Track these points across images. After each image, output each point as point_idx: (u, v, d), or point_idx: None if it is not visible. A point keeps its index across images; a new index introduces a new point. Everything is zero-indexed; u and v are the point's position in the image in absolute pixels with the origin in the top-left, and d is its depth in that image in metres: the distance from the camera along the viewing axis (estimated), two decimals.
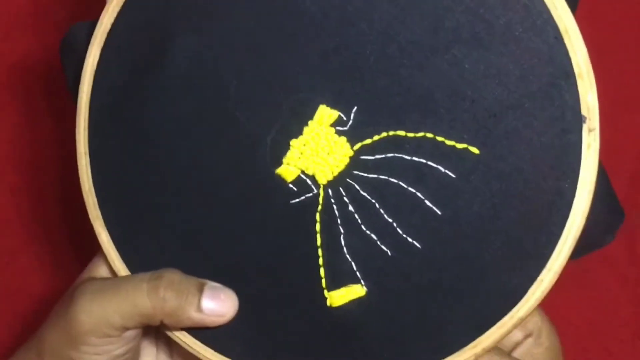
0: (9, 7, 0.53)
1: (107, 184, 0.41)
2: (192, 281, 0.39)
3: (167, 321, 0.39)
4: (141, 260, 0.41)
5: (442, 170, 0.37)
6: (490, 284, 0.37)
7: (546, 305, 0.45)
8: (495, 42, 0.36)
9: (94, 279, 0.41)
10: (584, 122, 0.36)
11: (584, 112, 0.36)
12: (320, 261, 0.39)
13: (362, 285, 0.38)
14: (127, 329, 0.39)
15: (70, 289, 0.41)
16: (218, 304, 0.39)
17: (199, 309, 0.39)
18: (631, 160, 0.55)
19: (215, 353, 0.40)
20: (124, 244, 0.41)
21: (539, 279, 0.36)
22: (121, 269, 0.41)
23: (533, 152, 0.36)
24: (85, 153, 0.41)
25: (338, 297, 0.39)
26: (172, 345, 0.44)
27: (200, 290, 0.39)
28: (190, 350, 0.41)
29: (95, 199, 0.41)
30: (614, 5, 0.55)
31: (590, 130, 0.36)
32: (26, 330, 0.53)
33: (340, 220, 0.39)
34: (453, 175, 0.37)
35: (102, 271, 0.42)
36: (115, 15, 0.40)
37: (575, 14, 0.36)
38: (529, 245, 0.36)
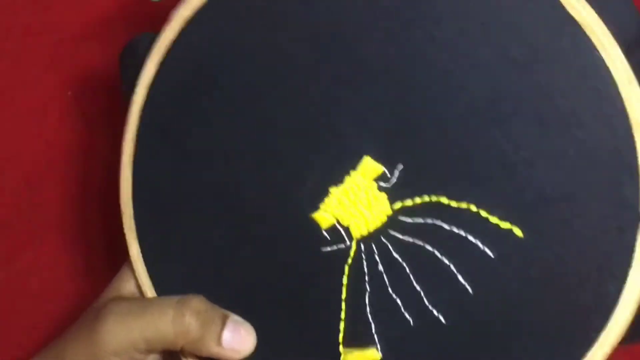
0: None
1: (145, 198, 0.41)
2: (216, 311, 0.39)
3: (187, 348, 0.39)
4: (167, 280, 0.41)
5: (481, 247, 0.35)
6: None
7: None
8: (559, 124, 0.34)
9: (120, 298, 0.41)
10: None
11: None
12: (342, 315, 0.38)
13: (377, 349, 0.37)
14: (150, 352, 0.39)
15: (96, 305, 0.41)
16: (237, 340, 0.39)
17: (219, 342, 0.39)
18: None
19: None
20: (152, 260, 0.41)
21: None
22: (146, 284, 0.41)
23: (581, 246, 0.34)
24: (129, 164, 0.41)
25: (352, 357, 0.37)
26: None
27: (224, 322, 0.39)
28: None
29: (132, 211, 0.41)
30: None
31: None
32: (25, 330, 0.53)
33: (368, 278, 0.37)
34: (491, 255, 0.35)
35: (129, 286, 0.42)
36: (176, 31, 0.40)
37: None
38: (561, 345, 0.34)
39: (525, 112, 0.34)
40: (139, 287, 0.42)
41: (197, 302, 0.39)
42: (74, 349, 0.40)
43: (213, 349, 0.38)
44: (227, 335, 0.39)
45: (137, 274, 0.41)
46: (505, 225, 0.35)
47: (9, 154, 0.54)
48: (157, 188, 0.41)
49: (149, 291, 0.41)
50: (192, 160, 0.40)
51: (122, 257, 0.43)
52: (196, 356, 0.40)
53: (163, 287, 0.41)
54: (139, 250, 0.41)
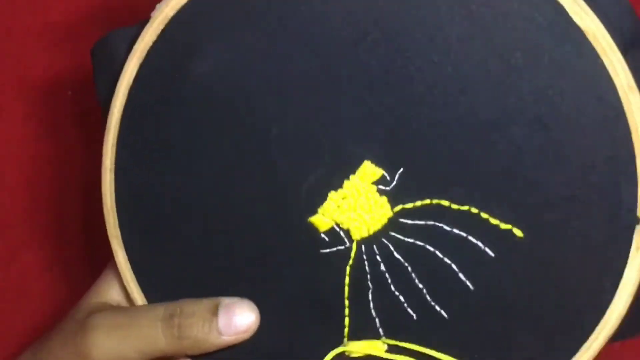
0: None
1: (130, 204, 0.40)
2: (205, 305, 0.38)
3: (191, 354, 0.38)
4: (158, 284, 0.40)
5: (481, 247, 0.36)
6: None
7: None
8: (559, 128, 0.34)
9: (105, 306, 0.40)
10: (638, 223, 0.34)
11: (639, 213, 0.34)
12: (347, 311, 0.38)
13: (382, 342, 0.38)
14: None
15: (78, 312, 0.40)
16: (235, 321, 0.38)
17: (219, 333, 0.38)
18: None
19: None
20: (141, 266, 0.40)
21: None
22: (135, 291, 0.40)
23: (579, 246, 0.35)
24: (110, 169, 0.39)
25: (358, 349, 0.38)
26: None
27: (215, 313, 0.38)
28: None
29: (116, 217, 0.40)
30: None
31: None
32: (24, 331, 0.53)
33: (370, 277, 0.38)
34: (492, 254, 0.36)
35: (114, 292, 0.41)
36: (159, 32, 0.37)
37: None
38: (558, 338, 0.36)
39: (526, 116, 0.34)
40: (127, 294, 0.41)
41: (184, 306, 0.38)
42: None
43: (217, 342, 0.38)
44: (222, 323, 0.38)
45: (125, 282, 0.40)
46: (505, 226, 0.36)
47: (9, 154, 0.53)
48: (142, 193, 0.39)
49: (139, 297, 0.40)
50: (181, 166, 0.39)
51: None
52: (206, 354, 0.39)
53: (153, 292, 0.40)
54: (126, 257, 0.40)
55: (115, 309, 0.40)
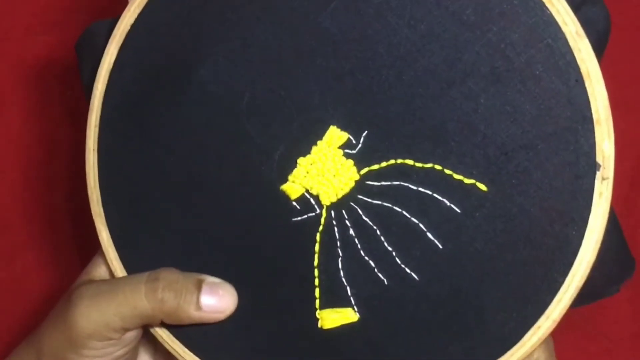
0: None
1: (112, 183, 0.41)
2: (190, 278, 0.39)
3: (167, 321, 0.39)
4: (140, 261, 0.41)
5: (447, 203, 0.37)
6: (485, 326, 0.36)
7: None
8: (514, 79, 0.35)
9: (91, 281, 0.41)
10: (598, 169, 0.35)
11: (598, 159, 0.35)
12: (316, 282, 0.38)
13: (354, 310, 0.38)
14: (127, 330, 0.39)
15: (69, 291, 0.41)
16: (217, 301, 0.39)
17: (198, 307, 0.39)
18: (631, 161, 0.54)
19: None
20: (124, 244, 0.41)
21: (536, 325, 0.36)
22: (118, 269, 0.41)
23: (542, 195, 0.35)
24: (94, 149, 0.41)
25: (330, 320, 0.38)
26: None
27: (199, 287, 0.39)
28: (180, 359, 0.40)
29: (99, 196, 0.41)
30: (615, 6, 0.53)
31: (603, 179, 0.35)
32: (25, 330, 0.52)
33: (340, 244, 0.38)
34: (458, 210, 0.36)
35: (101, 271, 0.42)
36: (136, 15, 0.40)
37: (600, 61, 0.35)
38: (529, 291, 0.35)
39: (481, 70, 0.36)
40: (111, 272, 0.42)
41: (168, 274, 0.39)
42: (52, 336, 0.40)
43: (194, 314, 0.39)
44: (205, 297, 0.39)
45: (108, 260, 0.41)
46: (469, 181, 0.36)
47: (8, 154, 0.54)
48: (124, 171, 0.41)
49: (122, 275, 0.41)
50: (159, 142, 0.40)
51: None
52: (180, 326, 0.40)
53: (136, 270, 0.41)
54: (109, 235, 0.41)
55: (99, 281, 0.41)
